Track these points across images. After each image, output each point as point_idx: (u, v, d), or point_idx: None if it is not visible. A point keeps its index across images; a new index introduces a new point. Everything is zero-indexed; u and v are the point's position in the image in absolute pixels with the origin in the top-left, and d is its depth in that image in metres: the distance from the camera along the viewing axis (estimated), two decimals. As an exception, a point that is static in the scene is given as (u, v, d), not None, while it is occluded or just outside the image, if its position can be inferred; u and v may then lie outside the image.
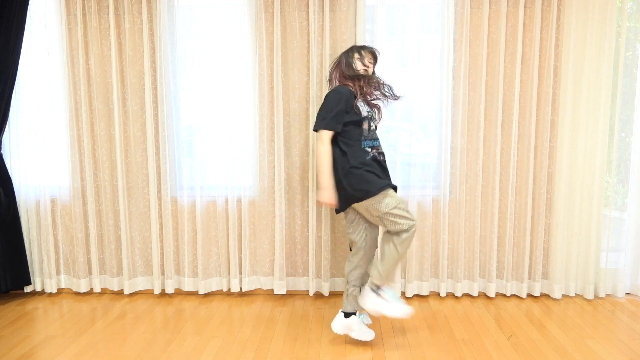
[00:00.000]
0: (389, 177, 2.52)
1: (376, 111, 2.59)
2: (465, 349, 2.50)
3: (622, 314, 2.95)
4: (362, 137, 2.44)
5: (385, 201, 2.33)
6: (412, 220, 2.35)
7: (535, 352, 2.46)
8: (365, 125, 2.45)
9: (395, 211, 2.32)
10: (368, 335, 2.53)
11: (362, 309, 2.54)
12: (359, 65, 2.54)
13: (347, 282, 2.54)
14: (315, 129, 2.41)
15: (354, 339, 2.59)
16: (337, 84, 2.57)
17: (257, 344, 2.58)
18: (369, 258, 2.53)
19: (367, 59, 2.56)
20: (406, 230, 2.33)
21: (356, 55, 2.55)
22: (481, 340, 2.59)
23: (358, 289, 2.51)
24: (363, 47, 2.60)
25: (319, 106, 3.09)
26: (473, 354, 2.44)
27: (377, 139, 2.52)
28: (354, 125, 2.42)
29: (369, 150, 2.44)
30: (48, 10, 3.15)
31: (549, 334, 2.66)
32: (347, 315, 2.52)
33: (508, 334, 2.68)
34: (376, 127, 2.56)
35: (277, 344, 2.58)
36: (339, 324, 2.53)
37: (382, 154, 2.50)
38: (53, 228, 3.32)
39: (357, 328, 2.51)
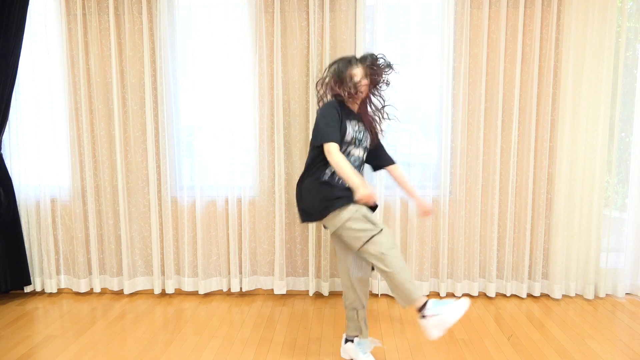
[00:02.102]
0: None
1: (367, 135, 2.35)
2: (465, 349, 2.50)
3: (622, 314, 2.95)
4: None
5: (341, 215, 2.16)
6: (374, 227, 2.12)
7: (535, 352, 2.46)
8: (342, 147, 2.25)
9: (350, 224, 2.13)
10: None
11: (365, 334, 2.39)
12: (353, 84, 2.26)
13: (345, 306, 2.40)
14: (320, 143, 2.20)
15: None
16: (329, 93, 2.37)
17: (257, 344, 2.58)
18: (361, 286, 2.33)
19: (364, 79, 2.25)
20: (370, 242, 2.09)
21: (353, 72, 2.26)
22: (481, 340, 2.59)
23: (354, 311, 2.35)
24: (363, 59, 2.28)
25: (319, 106, 3.09)
26: (473, 354, 2.44)
27: (355, 164, 2.30)
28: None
29: (330, 171, 2.25)
30: (48, 10, 3.15)
31: (549, 334, 2.66)
32: (346, 340, 2.42)
33: (508, 334, 2.68)
34: (364, 153, 2.34)
35: (277, 344, 2.58)
36: (343, 348, 2.44)
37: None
38: (53, 228, 3.32)
39: (354, 355, 2.36)
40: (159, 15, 3.06)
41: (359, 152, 2.31)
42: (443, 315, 2.00)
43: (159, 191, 3.25)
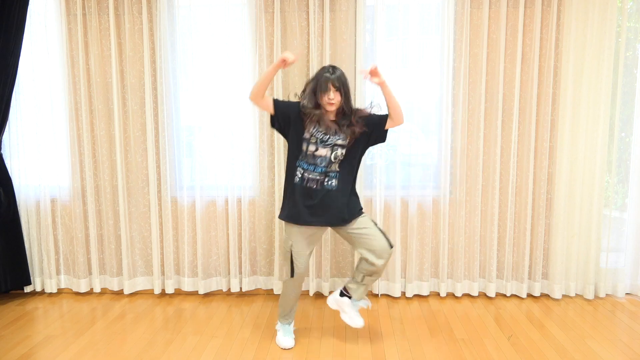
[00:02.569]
0: (316, 211, 2.39)
1: (335, 137, 2.36)
2: (465, 349, 2.50)
3: (622, 314, 2.95)
4: (299, 157, 2.38)
5: (286, 231, 2.49)
6: (289, 274, 2.49)
7: (535, 352, 2.46)
8: (304, 147, 2.36)
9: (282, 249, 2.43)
10: (357, 322, 2.52)
11: (364, 297, 2.55)
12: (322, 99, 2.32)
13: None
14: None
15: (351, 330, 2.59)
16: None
17: (257, 344, 2.58)
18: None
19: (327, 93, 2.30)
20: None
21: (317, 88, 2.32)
22: (481, 340, 2.59)
23: (361, 275, 2.47)
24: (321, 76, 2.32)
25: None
26: (473, 354, 2.44)
27: (317, 165, 2.35)
28: (295, 139, 2.39)
29: (299, 173, 2.38)
30: (48, 10, 3.15)
31: (549, 334, 2.66)
32: (342, 294, 2.55)
33: (508, 334, 2.68)
34: (333, 151, 2.36)
35: (277, 344, 2.58)
36: (333, 298, 2.58)
37: (318, 181, 2.36)
38: (53, 228, 3.32)
39: (349, 310, 2.53)
40: (159, 15, 3.06)
41: (325, 152, 2.36)
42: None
43: (159, 191, 3.24)
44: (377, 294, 3.28)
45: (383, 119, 2.43)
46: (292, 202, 2.41)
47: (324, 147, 2.35)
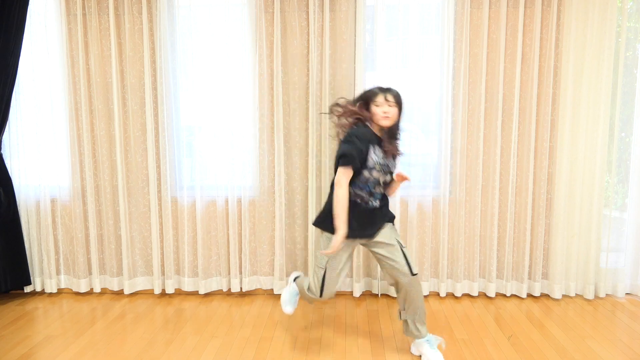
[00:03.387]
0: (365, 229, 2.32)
1: (392, 162, 2.36)
2: (465, 349, 2.50)
3: (622, 314, 2.95)
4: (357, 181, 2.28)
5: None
6: (317, 293, 2.35)
7: (535, 352, 2.46)
8: (366, 174, 2.27)
9: (319, 261, 2.34)
10: (435, 358, 2.34)
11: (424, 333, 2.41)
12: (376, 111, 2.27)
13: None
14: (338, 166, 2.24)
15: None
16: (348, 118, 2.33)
17: (257, 344, 2.58)
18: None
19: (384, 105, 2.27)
20: (308, 289, 2.40)
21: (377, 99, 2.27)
22: (481, 340, 2.59)
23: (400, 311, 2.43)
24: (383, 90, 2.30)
25: (318, 106, 3.10)
26: (473, 354, 2.44)
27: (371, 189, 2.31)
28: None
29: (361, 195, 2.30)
30: (48, 10, 3.15)
31: (549, 334, 2.66)
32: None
33: (508, 334, 2.68)
34: (385, 180, 2.34)
35: (277, 344, 2.58)
36: (414, 344, 2.46)
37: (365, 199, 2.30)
38: (53, 228, 3.32)
39: (426, 352, 2.37)
40: (159, 15, 3.06)
41: (382, 177, 2.32)
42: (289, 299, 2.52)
43: (159, 191, 3.25)
44: (377, 294, 3.28)
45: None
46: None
47: (383, 173, 2.32)
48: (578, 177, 3.09)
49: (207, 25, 3.14)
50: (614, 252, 3.22)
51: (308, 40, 3.08)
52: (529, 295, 3.24)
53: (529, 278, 3.22)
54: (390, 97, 2.26)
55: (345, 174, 2.22)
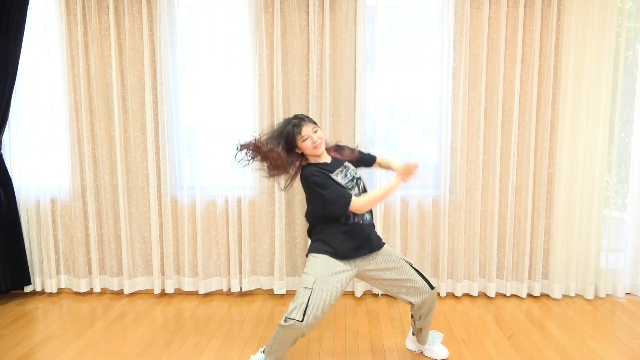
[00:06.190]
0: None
1: (351, 169, 2.27)
2: (465, 349, 2.50)
3: (622, 314, 2.95)
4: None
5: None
6: (299, 316, 1.99)
7: (535, 352, 2.46)
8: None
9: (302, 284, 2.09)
10: (441, 353, 2.40)
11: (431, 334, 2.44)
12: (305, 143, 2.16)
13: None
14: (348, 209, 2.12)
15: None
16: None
17: (257, 344, 2.58)
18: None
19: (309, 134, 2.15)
20: (284, 321, 2.02)
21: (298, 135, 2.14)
22: (481, 340, 2.59)
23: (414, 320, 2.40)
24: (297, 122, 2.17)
25: (318, 106, 3.10)
26: (473, 354, 2.44)
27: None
28: None
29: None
30: (48, 10, 3.15)
31: (549, 334, 2.66)
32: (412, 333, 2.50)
33: (508, 333, 2.68)
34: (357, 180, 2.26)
35: (277, 344, 2.58)
36: (410, 340, 2.53)
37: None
38: (53, 228, 3.32)
39: (428, 347, 2.42)
40: (159, 15, 3.06)
41: (356, 189, 2.24)
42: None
43: (159, 191, 3.25)
44: (377, 294, 3.28)
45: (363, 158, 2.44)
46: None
47: (354, 185, 2.23)
48: (578, 177, 3.09)
49: (207, 25, 3.14)
50: (614, 252, 3.22)
51: (308, 40, 3.08)
52: (529, 295, 3.24)
53: (529, 278, 3.22)
54: (309, 125, 2.15)
55: (354, 205, 2.10)
